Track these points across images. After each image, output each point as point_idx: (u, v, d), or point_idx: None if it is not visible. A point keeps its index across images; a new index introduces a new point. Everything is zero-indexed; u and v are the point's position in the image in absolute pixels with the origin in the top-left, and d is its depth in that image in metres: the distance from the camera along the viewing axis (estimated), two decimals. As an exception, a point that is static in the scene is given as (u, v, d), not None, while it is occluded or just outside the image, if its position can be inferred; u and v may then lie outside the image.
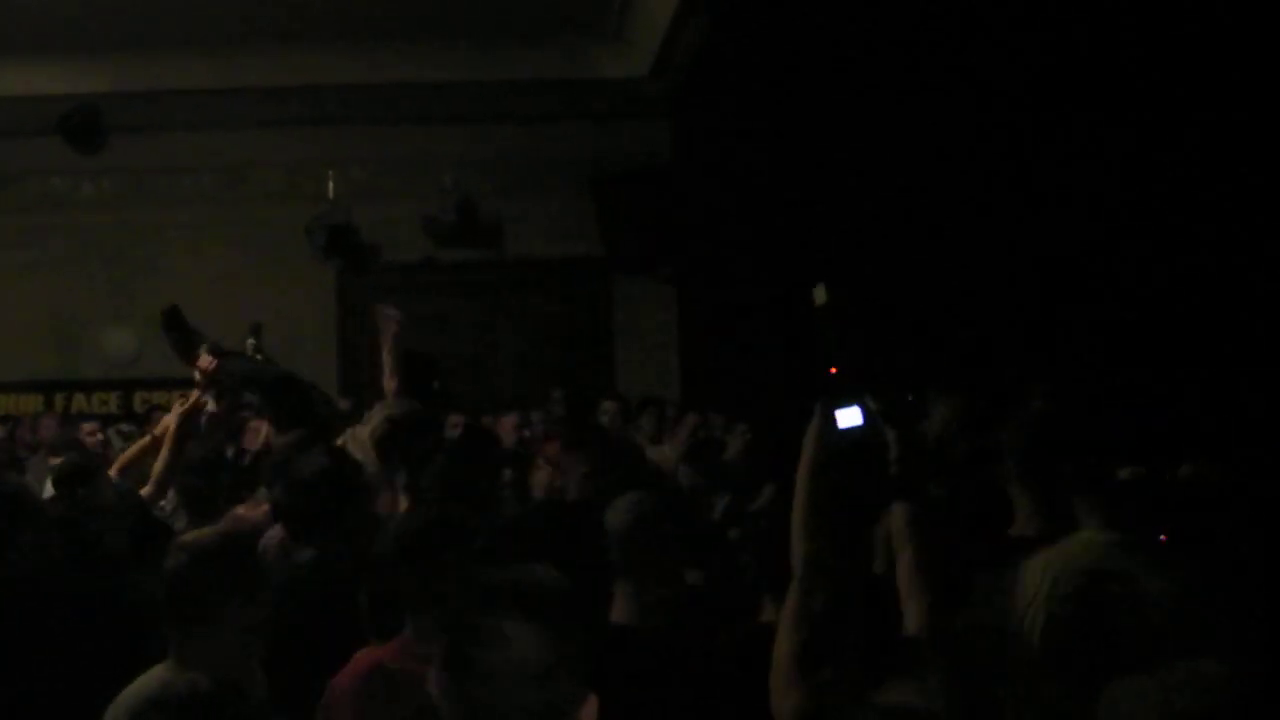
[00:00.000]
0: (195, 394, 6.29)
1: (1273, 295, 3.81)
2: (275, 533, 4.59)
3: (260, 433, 7.58)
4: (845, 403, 2.95)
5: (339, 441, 5.32)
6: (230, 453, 7.78)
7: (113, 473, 5.80)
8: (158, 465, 5.74)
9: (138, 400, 12.23)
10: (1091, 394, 4.54)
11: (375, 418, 5.43)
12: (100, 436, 8.04)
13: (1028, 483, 3.20)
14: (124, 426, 9.59)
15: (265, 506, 5.13)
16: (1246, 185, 3.93)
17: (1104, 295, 4.83)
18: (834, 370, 3.11)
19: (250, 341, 7.07)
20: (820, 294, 3.18)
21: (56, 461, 6.32)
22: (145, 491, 5.62)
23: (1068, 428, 3.29)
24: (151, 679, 3.01)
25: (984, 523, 4.04)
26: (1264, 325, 3.83)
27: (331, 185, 12.08)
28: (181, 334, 6.71)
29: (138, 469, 6.02)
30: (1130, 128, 4.60)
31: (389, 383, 5.98)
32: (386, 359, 6.07)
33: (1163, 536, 3.40)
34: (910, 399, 6.68)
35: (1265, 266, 3.84)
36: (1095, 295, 4.89)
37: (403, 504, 4.77)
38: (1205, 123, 4.20)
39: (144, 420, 10.69)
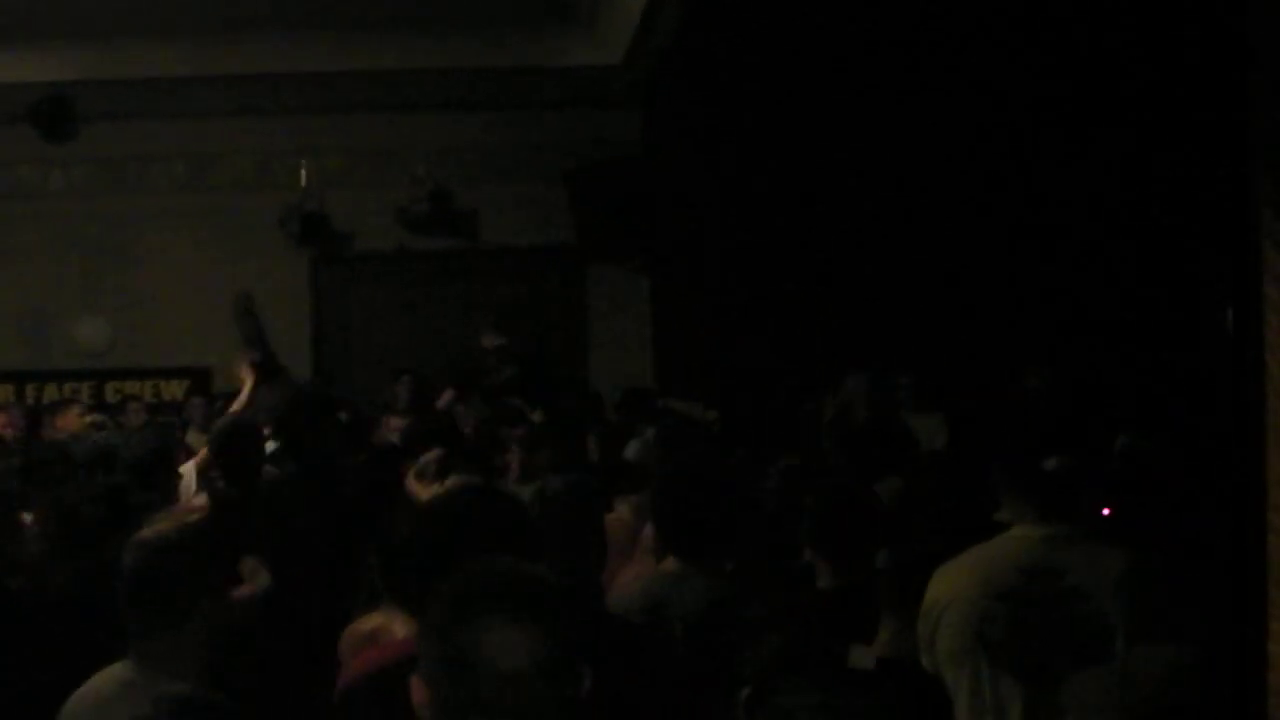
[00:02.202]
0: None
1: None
2: None
3: None
4: None
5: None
6: None
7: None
8: None
9: (110, 390, 12.17)
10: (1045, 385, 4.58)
11: None
12: (89, 419, 7.94)
13: (1011, 477, 3.17)
14: (95, 417, 9.53)
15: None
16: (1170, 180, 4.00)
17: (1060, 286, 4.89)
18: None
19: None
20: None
21: None
22: None
23: (1036, 421, 3.29)
24: (111, 680, 2.93)
25: (965, 512, 4.08)
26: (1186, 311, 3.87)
27: (304, 174, 12.05)
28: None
29: None
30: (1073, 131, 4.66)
31: None
32: None
33: (1105, 510, 3.43)
34: (902, 382, 6.73)
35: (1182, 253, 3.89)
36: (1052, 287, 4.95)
37: None
38: (1126, 122, 4.27)
39: (117, 410, 10.66)
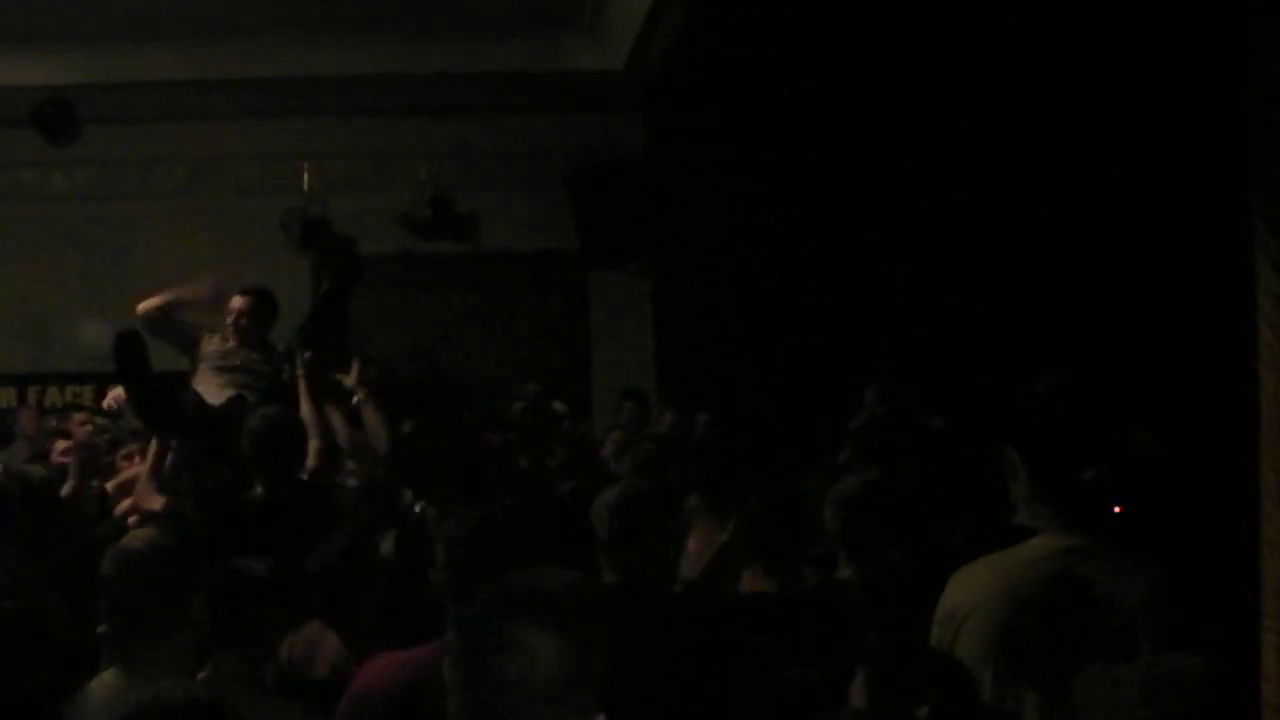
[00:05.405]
0: None
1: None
2: None
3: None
4: None
5: None
6: None
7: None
8: None
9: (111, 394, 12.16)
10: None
11: None
12: (91, 426, 7.99)
13: (1039, 476, 3.10)
14: (98, 420, 9.56)
15: None
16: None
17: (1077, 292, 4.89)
18: None
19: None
20: None
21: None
22: None
23: (1076, 420, 3.19)
24: (102, 687, 2.91)
25: (971, 506, 4.06)
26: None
27: (306, 177, 12.05)
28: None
29: None
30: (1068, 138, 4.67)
31: None
32: None
33: (1117, 508, 3.37)
34: (912, 390, 6.70)
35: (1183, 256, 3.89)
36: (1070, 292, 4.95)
37: None
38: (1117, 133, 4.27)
39: (118, 415, 10.66)
